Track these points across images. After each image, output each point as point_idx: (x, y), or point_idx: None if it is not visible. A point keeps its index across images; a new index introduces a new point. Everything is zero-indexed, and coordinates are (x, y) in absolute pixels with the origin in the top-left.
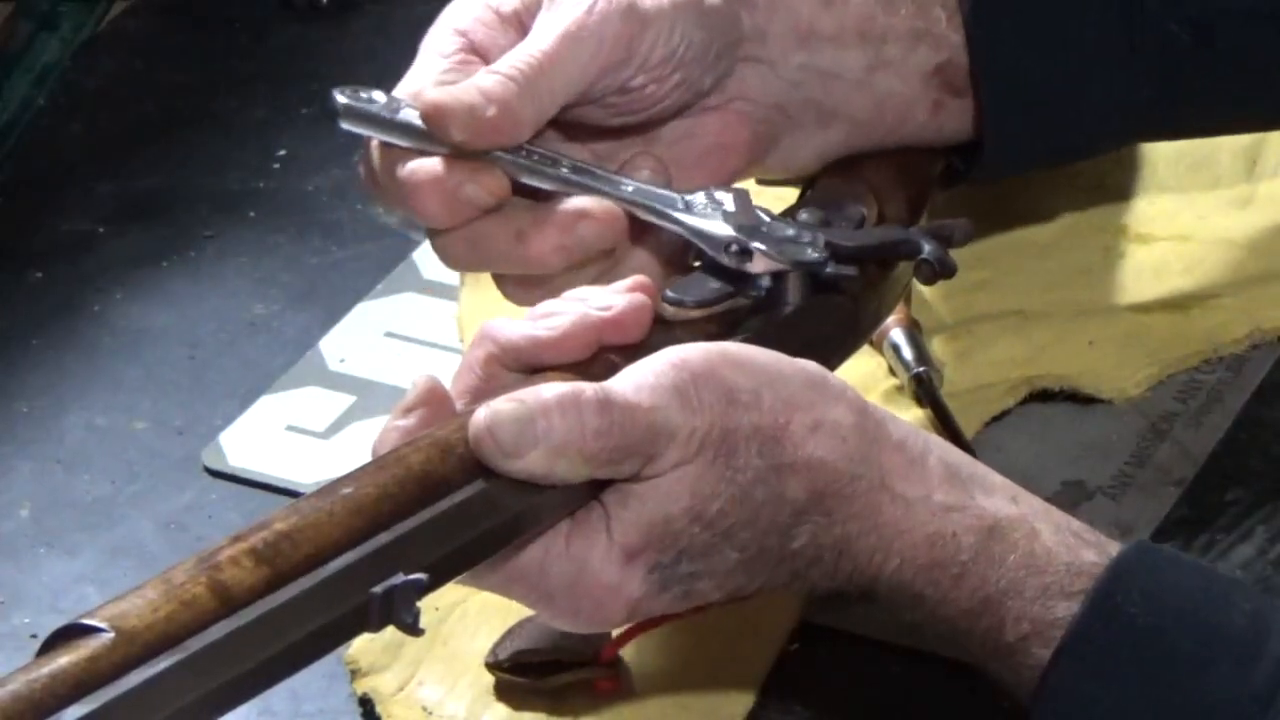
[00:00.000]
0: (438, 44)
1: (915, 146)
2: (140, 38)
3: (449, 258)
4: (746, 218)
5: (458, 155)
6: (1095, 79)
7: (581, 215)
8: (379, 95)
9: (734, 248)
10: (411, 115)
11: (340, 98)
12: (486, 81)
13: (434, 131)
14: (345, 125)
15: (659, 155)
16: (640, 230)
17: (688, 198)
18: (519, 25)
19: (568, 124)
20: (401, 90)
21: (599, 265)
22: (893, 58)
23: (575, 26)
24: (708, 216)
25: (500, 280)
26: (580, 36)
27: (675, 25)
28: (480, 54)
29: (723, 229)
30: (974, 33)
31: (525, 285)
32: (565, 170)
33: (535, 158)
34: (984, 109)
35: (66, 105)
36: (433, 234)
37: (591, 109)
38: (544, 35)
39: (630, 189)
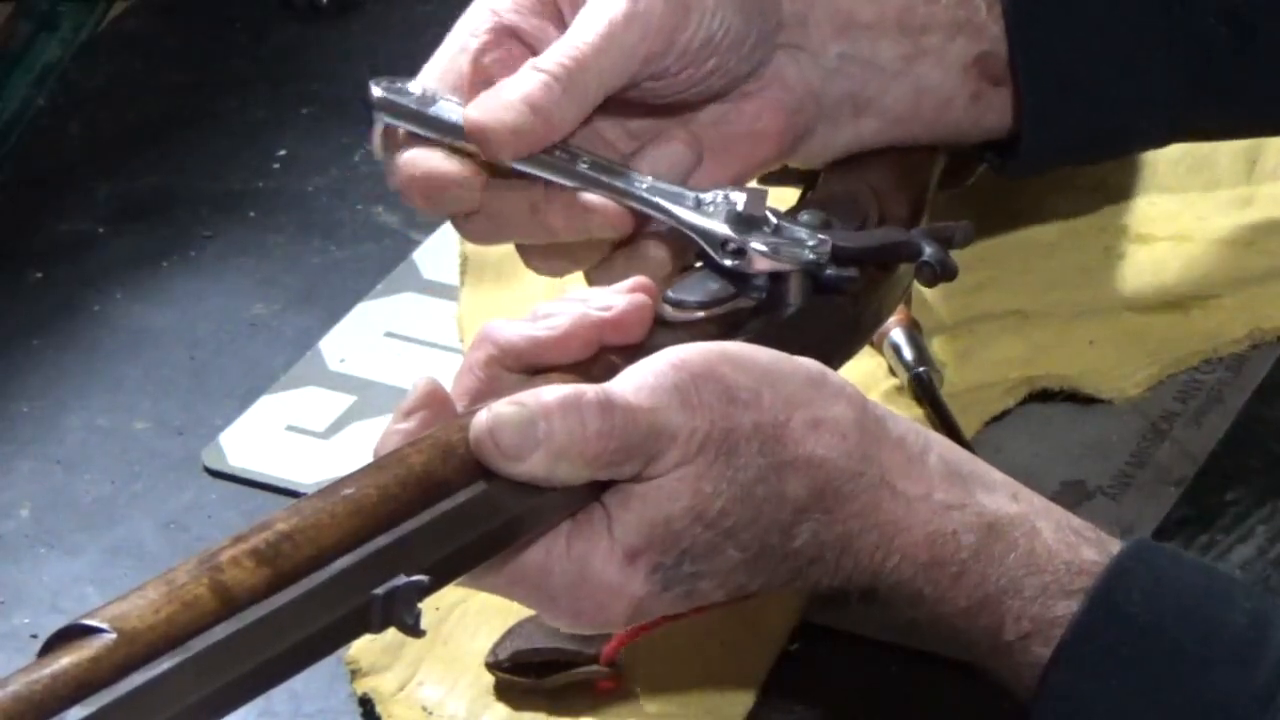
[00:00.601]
0: (471, 22)
1: (950, 144)
2: (140, 38)
3: (469, 233)
4: (753, 218)
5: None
6: (1134, 72)
7: (587, 210)
8: (415, 87)
9: (730, 246)
10: (446, 110)
11: (376, 90)
12: (529, 84)
13: (479, 149)
14: (380, 117)
15: (695, 133)
16: (657, 226)
17: (701, 195)
18: (553, 5)
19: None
20: (433, 68)
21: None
22: (932, 48)
23: (621, 16)
24: (711, 215)
25: (523, 251)
26: (626, 26)
27: (716, 12)
28: (514, 34)
29: (721, 227)
30: (1014, 23)
31: (547, 255)
32: (584, 167)
33: (556, 153)
34: (1023, 99)
35: (66, 105)
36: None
37: (625, 91)
38: (589, 26)
39: (645, 186)
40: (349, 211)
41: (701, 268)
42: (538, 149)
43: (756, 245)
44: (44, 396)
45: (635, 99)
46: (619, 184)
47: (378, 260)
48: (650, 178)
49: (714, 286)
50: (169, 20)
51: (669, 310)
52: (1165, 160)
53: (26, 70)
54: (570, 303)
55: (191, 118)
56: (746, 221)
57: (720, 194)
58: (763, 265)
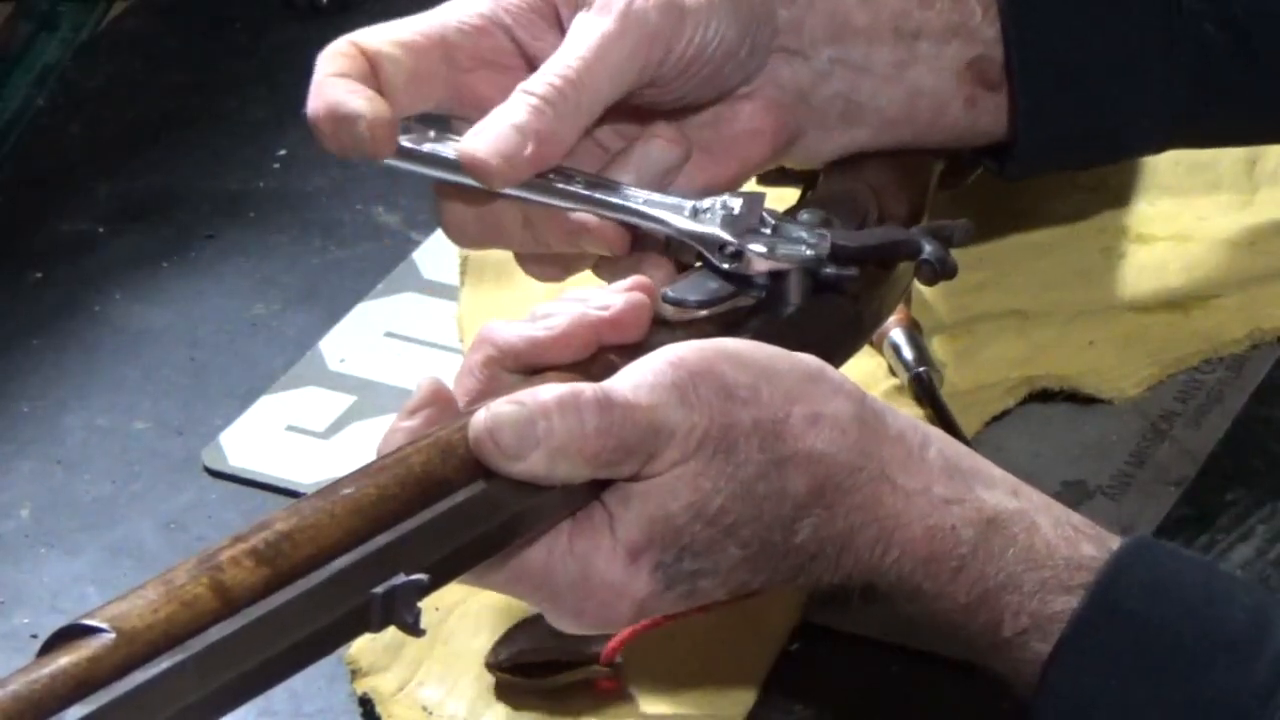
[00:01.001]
0: (466, 6)
1: (946, 148)
2: (140, 38)
3: (460, 239)
4: (750, 221)
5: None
6: (1131, 77)
7: (583, 229)
8: (411, 126)
9: (728, 249)
10: (443, 148)
11: None
12: (520, 110)
13: (475, 179)
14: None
15: (685, 134)
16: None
17: (699, 204)
18: (550, 4)
19: None
20: (405, 28)
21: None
22: (925, 53)
23: (614, 29)
24: (708, 222)
25: (519, 256)
26: (619, 39)
27: (711, 20)
28: (505, 30)
29: (719, 232)
30: (1010, 26)
31: (543, 262)
32: (578, 186)
33: (550, 175)
34: (1017, 102)
35: (66, 105)
36: (441, 209)
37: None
38: (580, 42)
39: (641, 199)
40: (349, 211)
41: (701, 267)
42: (534, 172)
43: (754, 247)
44: (44, 396)
45: (627, 105)
46: (615, 200)
47: (378, 260)
48: (646, 191)
49: (713, 286)
50: (169, 20)
51: (669, 310)
52: (1165, 161)
53: (26, 70)
54: (569, 303)
55: (191, 118)
56: (744, 225)
57: (717, 201)
58: (761, 266)
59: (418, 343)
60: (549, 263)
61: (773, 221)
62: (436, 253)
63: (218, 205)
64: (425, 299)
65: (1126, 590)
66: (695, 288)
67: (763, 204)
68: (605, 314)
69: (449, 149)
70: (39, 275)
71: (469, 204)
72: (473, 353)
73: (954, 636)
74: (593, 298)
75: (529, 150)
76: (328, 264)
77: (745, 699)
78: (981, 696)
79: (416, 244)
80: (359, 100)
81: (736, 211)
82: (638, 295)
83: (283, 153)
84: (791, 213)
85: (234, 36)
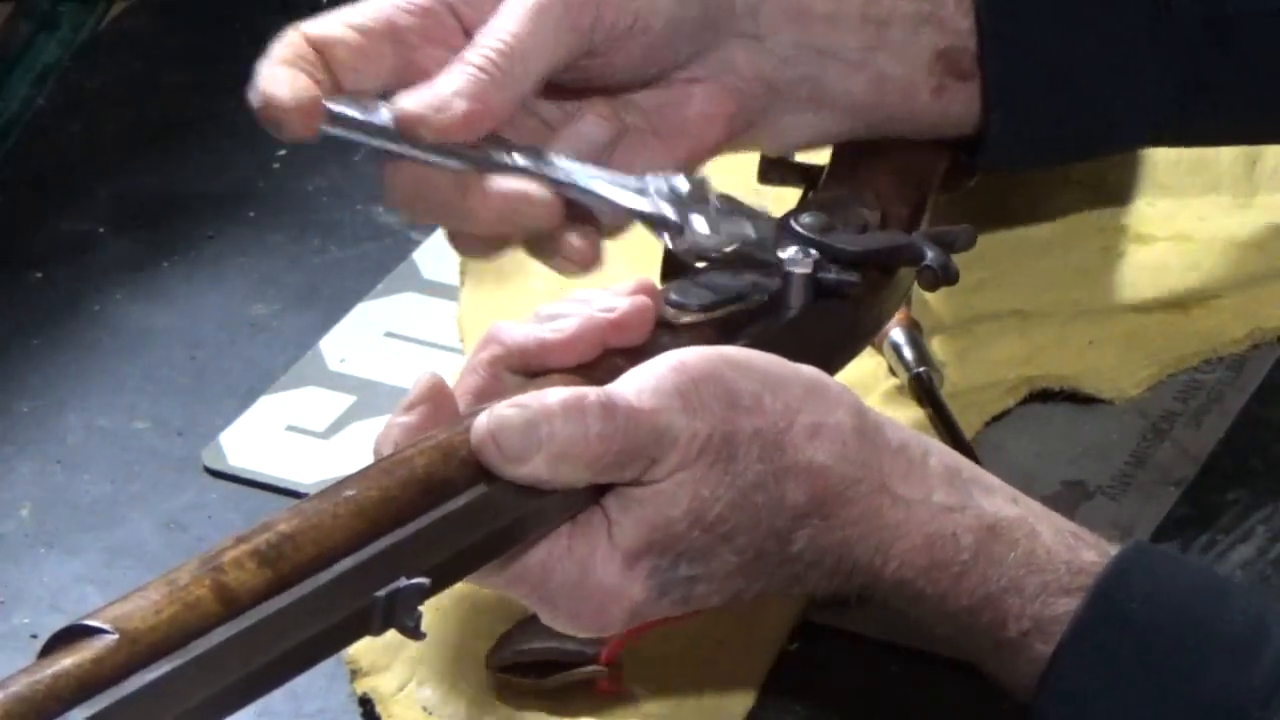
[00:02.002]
0: None
1: (919, 137)
2: (140, 38)
3: (399, 200)
4: (695, 199)
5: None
6: (1118, 75)
7: (523, 199)
8: (358, 96)
9: (672, 226)
10: (386, 116)
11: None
12: (459, 80)
13: (410, 137)
14: (324, 129)
15: (619, 112)
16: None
17: (643, 181)
18: None
19: None
20: (350, 13)
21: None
22: (894, 40)
23: None
24: (651, 198)
25: (450, 235)
26: (550, 4)
27: None
28: (449, 9)
29: (662, 208)
30: (984, 18)
31: (473, 240)
32: (518, 158)
33: (492, 148)
34: (989, 93)
35: (66, 105)
36: (384, 174)
37: (563, 75)
38: (514, 8)
39: (589, 175)
40: (349, 211)
41: (704, 269)
42: (469, 136)
43: (696, 222)
44: (44, 396)
45: (570, 82)
46: (557, 176)
47: (378, 260)
48: (589, 167)
49: (715, 289)
50: (169, 20)
51: (670, 312)
52: (1165, 160)
53: (26, 70)
54: (575, 304)
55: (191, 118)
56: (689, 203)
57: (663, 179)
58: (706, 243)
59: (418, 343)
60: (478, 240)
61: (718, 203)
62: (436, 253)
63: (218, 205)
64: (425, 299)
65: (1126, 593)
66: (697, 291)
67: (709, 185)
68: (610, 316)
69: (386, 115)
70: (39, 275)
71: (409, 168)
72: (479, 350)
73: (956, 637)
74: (595, 300)
75: (462, 107)
76: (328, 264)
77: (745, 699)
78: (981, 696)
79: (416, 244)
80: (282, 86)
81: (683, 190)
82: (641, 298)
83: (283, 153)
84: (793, 215)
85: (234, 36)
